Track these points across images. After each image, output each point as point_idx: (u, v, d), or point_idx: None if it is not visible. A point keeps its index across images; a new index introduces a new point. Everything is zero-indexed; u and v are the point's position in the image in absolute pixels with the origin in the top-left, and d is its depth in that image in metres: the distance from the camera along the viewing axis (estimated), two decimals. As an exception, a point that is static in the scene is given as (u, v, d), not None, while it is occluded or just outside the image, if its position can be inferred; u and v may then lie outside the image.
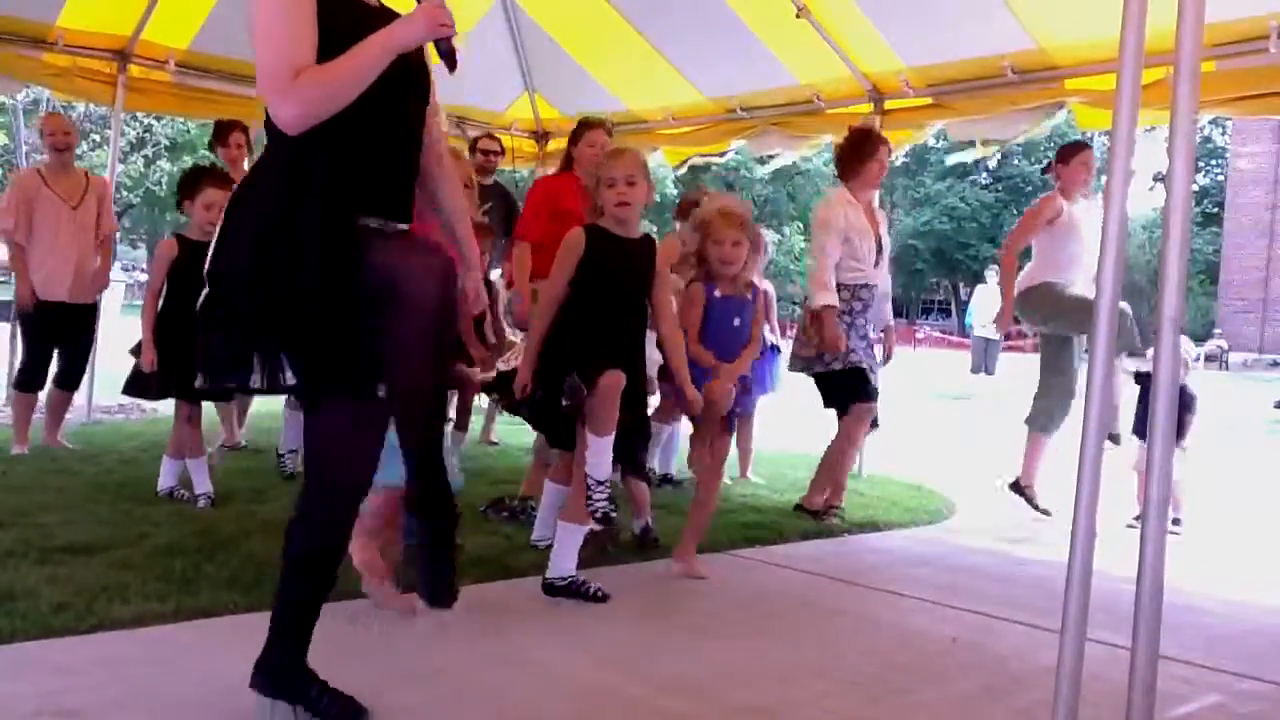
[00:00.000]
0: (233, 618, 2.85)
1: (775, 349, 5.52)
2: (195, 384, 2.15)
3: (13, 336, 6.95)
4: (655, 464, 5.29)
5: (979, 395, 13.87)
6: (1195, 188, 7.15)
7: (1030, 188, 38.87)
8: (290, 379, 2.05)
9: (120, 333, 6.64)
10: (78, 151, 5.95)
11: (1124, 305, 4.17)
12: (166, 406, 4.79)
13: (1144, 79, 2.10)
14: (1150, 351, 3.43)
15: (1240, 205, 32.04)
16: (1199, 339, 26.85)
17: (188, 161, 25.23)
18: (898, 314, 5.61)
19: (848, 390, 4.92)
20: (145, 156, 25.07)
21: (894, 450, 6.78)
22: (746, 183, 37.28)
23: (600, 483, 3.26)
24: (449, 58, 2.15)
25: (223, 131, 5.74)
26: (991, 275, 15.91)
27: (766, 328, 4.89)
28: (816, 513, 4.91)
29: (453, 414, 5.51)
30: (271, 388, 2.07)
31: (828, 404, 5.06)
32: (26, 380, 5.56)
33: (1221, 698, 2.77)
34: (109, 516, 3.98)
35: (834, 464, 5.00)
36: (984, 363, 15.25)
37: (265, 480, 4.90)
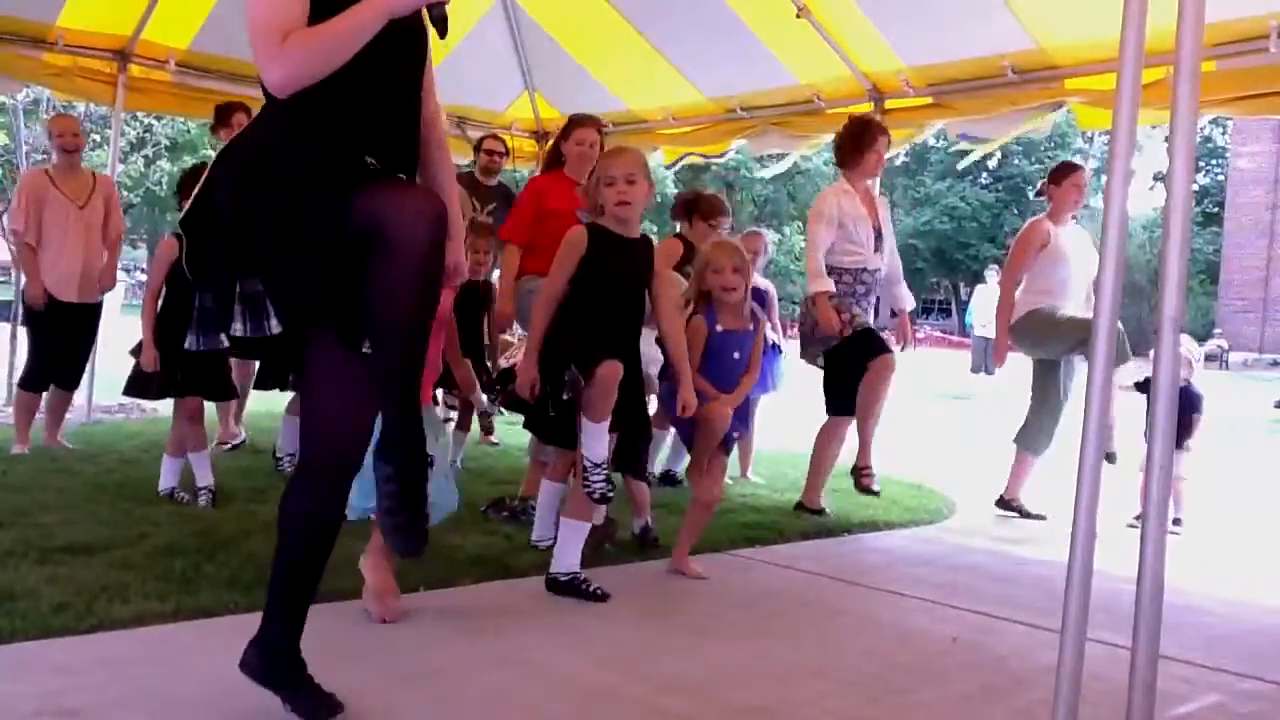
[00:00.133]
0: (233, 618, 2.85)
1: (777, 348, 5.52)
2: (185, 344, 2.17)
3: (13, 336, 6.94)
4: (655, 467, 5.29)
5: (979, 395, 13.87)
6: (1195, 187, 7.16)
7: (1030, 187, 38.85)
8: (275, 326, 2.06)
9: (120, 333, 6.64)
10: (78, 152, 5.95)
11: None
12: (166, 406, 4.79)
13: (1144, 79, 2.10)
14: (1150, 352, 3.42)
15: (1240, 205, 32.00)
16: (1199, 339, 26.79)
17: (188, 161, 25.19)
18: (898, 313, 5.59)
19: (862, 349, 4.87)
20: (145, 156, 25.05)
21: (894, 450, 6.77)
22: (746, 182, 37.26)
23: (597, 465, 3.28)
24: (440, 24, 2.14)
25: (225, 113, 5.68)
26: (991, 275, 15.91)
27: (768, 327, 4.89)
28: (818, 511, 4.92)
29: (452, 414, 5.52)
30: (256, 335, 2.08)
31: (842, 386, 4.98)
32: (33, 379, 5.57)
33: (1222, 697, 2.77)
34: (109, 516, 3.98)
35: (862, 419, 4.91)
36: (984, 362, 15.25)
37: (265, 480, 4.90)
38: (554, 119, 8.20)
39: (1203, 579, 4.08)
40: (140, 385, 4.45)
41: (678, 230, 5.39)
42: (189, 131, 25.74)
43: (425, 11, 2.14)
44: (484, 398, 4.97)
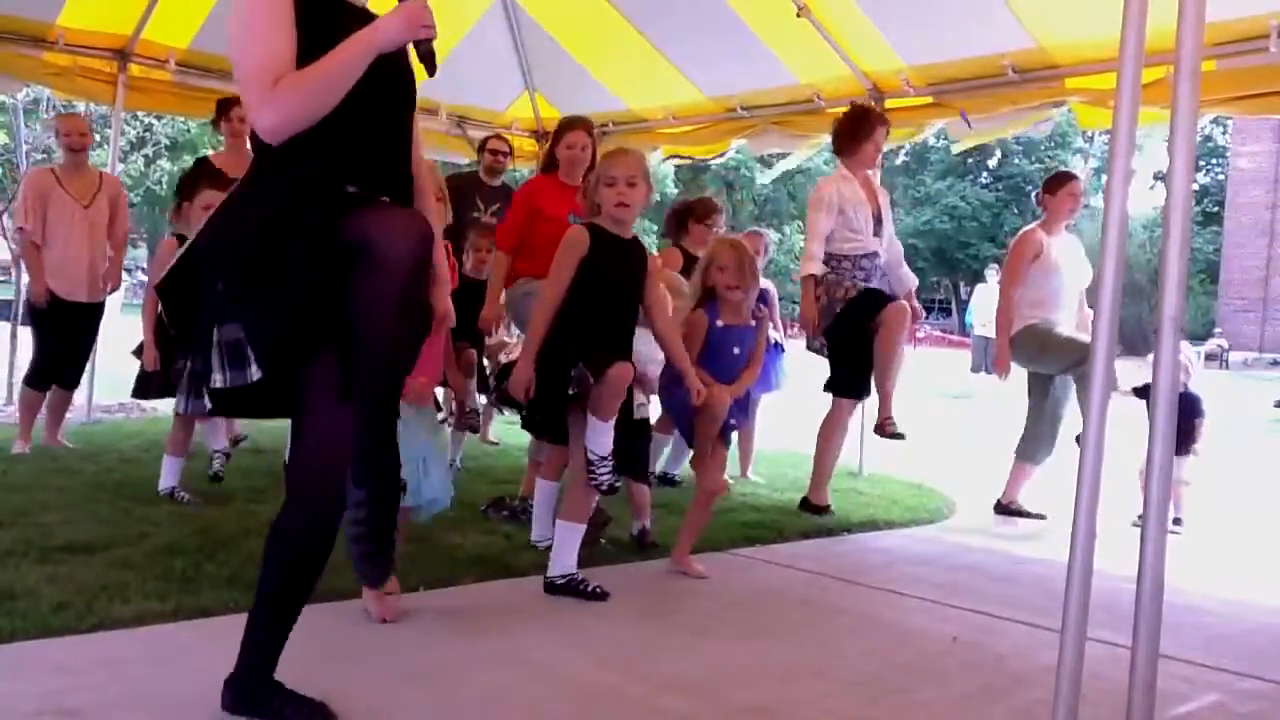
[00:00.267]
0: (233, 617, 2.83)
1: (779, 347, 5.52)
2: (175, 408, 2.13)
3: (13, 335, 6.93)
4: (655, 468, 5.29)
5: (979, 394, 13.86)
6: (1195, 187, 7.15)
7: (1030, 187, 38.86)
8: (256, 373, 2.01)
9: (120, 333, 6.64)
10: (78, 151, 5.94)
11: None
12: (167, 406, 4.79)
13: (1144, 78, 2.10)
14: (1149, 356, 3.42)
15: (1240, 204, 32.00)
16: (1199, 338, 26.89)
17: (188, 161, 25.12)
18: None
19: (870, 306, 4.86)
20: (145, 156, 25.01)
21: (894, 449, 6.76)
22: (747, 182, 37.26)
23: (603, 457, 3.30)
24: (428, 60, 2.13)
25: (226, 106, 5.66)
26: (991, 274, 15.90)
27: (770, 325, 4.89)
28: (824, 508, 4.92)
29: (452, 414, 5.52)
30: (237, 384, 2.03)
31: (847, 364, 4.98)
32: (38, 377, 5.58)
33: (1222, 697, 2.77)
34: (109, 516, 3.98)
35: (882, 372, 4.87)
36: (984, 362, 15.23)
37: (265, 480, 4.89)
38: (554, 119, 8.16)
39: (1203, 579, 4.08)
40: (144, 386, 4.45)
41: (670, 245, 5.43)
42: (189, 131, 25.72)
43: (412, 48, 2.13)
44: (477, 396, 4.98)
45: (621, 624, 3.13)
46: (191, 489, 4.42)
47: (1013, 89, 5.83)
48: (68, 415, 5.91)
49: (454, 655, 2.73)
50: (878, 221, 5.07)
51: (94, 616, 2.77)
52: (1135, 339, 22.23)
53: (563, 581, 3.34)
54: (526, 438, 4.54)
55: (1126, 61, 2.02)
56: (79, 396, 6.22)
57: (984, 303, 15.02)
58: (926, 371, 17.61)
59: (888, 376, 4.86)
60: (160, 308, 2.14)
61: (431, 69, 2.13)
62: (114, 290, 5.87)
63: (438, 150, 7.98)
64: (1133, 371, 4.99)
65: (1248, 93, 4.99)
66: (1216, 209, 36.82)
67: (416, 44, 2.10)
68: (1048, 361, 5.22)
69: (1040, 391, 5.35)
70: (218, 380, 2.05)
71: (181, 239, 4.47)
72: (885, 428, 4.84)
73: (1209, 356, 25.11)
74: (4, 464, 5.00)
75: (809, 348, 5.20)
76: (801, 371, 5.85)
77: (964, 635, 3.20)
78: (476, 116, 8.08)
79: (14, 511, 3.92)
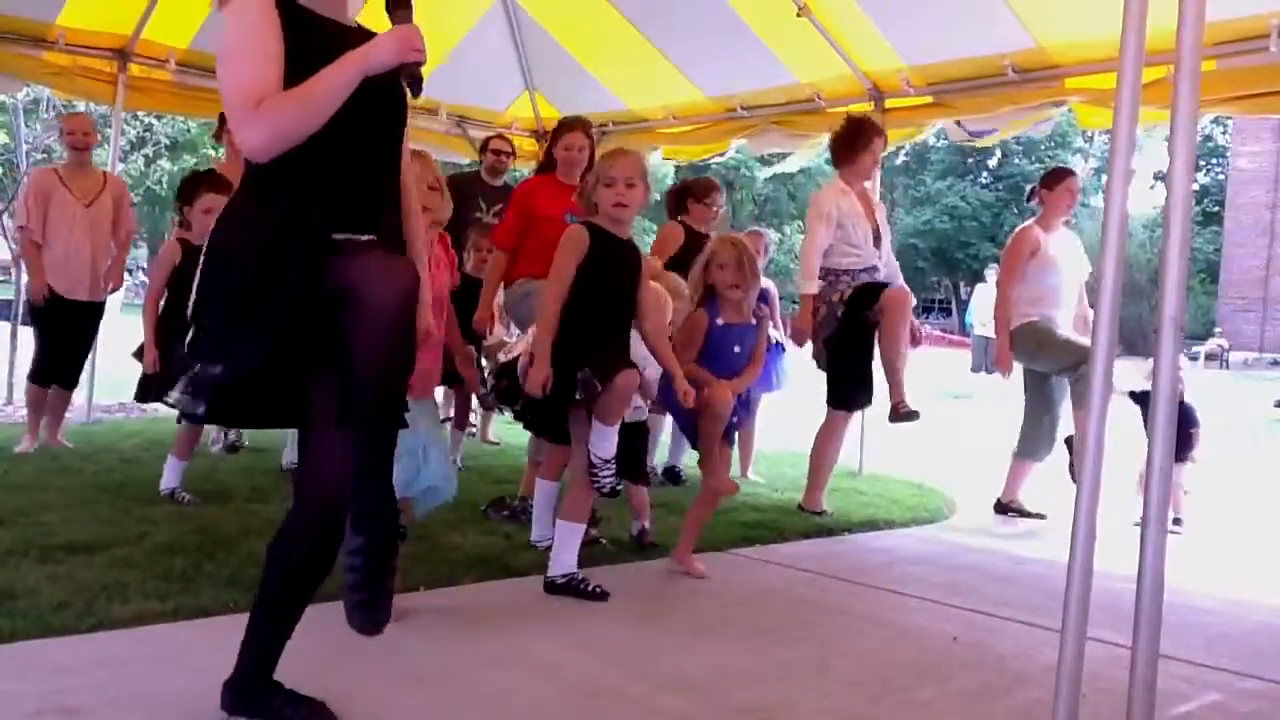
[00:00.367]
0: (233, 617, 2.84)
1: (780, 346, 5.52)
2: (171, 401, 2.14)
3: (13, 335, 6.93)
4: (655, 460, 5.29)
5: (979, 394, 13.87)
6: (1195, 187, 7.15)
7: (1030, 186, 38.80)
8: (203, 411, 2.04)
9: (120, 333, 6.65)
10: (79, 151, 5.94)
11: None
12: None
13: (1144, 78, 2.10)
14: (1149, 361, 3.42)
15: (1240, 204, 31.98)
16: (1199, 338, 26.86)
17: (188, 161, 25.17)
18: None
19: (868, 296, 4.87)
20: (145, 156, 25.00)
21: (894, 449, 6.78)
22: (747, 182, 37.24)
23: (606, 461, 3.32)
24: (414, 83, 2.12)
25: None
26: (991, 274, 15.90)
27: (771, 325, 4.89)
28: (819, 513, 4.92)
29: (451, 413, 5.52)
30: (185, 411, 2.07)
31: (846, 374, 4.98)
32: (40, 374, 5.59)
33: (1221, 696, 2.77)
34: (109, 515, 3.98)
35: (890, 358, 4.86)
36: (984, 362, 15.25)
37: (265, 480, 4.90)
38: (554, 118, 8.16)
39: (1203, 579, 4.08)
40: (145, 389, 4.45)
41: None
42: (189, 131, 25.70)
43: (399, 71, 2.12)
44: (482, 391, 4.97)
45: (621, 624, 3.13)
46: (192, 490, 4.42)
47: (1013, 89, 5.83)
48: (68, 415, 5.91)
49: (454, 655, 2.73)
50: (876, 236, 5.07)
51: (94, 616, 2.77)
52: (1135, 339, 22.24)
53: (563, 581, 3.34)
54: (526, 437, 4.54)
55: (1126, 61, 2.02)
56: (79, 396, 6.22)
57: (984, 302, 15.04)
58: (927, 371, 17.61)
59: (896, 367, 4.85)
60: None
61: (416, 91, 2.13)
62: (116, 290, 5.88)
63: (438, 150, 7.97)
64: (1130, 372, 4.98)
65: (1248, 92, 4.99)
66: (1216, 209, 36.80)
67: (402, 66, 2.09)
68: (1045, 361, 5.22)
69: (1037, 389, 5.35)
70: (171, 398, 2.08)
71: (183, 242, 4.47)
72: (899, 409, 4.82)
73: (1209, 356, 25.10)
74: (5, 463, 5.00)
75: (820, 366, 5.16)
76: (802, 372, 5.84)
77: (964, 635, 3.20)
78: (476, 116, 8.08)
79: (14, 511, 3.92)
